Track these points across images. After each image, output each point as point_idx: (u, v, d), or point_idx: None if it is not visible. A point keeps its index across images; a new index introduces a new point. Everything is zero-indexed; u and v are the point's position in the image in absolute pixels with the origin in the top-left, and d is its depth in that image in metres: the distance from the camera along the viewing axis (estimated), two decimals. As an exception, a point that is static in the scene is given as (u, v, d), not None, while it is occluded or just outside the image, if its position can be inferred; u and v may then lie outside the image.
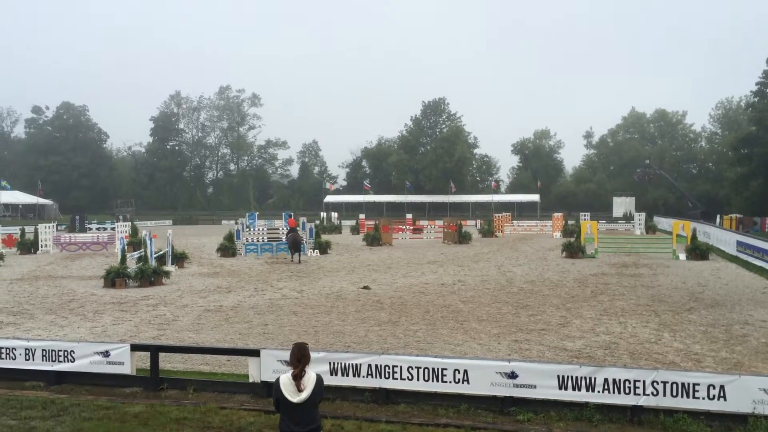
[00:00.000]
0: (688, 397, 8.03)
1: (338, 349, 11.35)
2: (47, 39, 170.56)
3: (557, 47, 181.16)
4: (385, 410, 8.89)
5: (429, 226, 53.90)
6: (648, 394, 8.14)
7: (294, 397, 5.59)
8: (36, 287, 22.11)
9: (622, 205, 76.25)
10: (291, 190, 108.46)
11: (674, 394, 8.07)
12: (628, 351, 12.08)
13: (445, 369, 8.82)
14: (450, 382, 8.80)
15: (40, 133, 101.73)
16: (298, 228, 32.31)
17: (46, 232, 38.48)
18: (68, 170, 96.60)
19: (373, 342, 12.98)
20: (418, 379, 8.92)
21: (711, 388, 7.96)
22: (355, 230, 55.47)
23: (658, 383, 8.12)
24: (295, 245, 29.88)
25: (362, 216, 61.68)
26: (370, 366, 9.09)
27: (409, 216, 63.35)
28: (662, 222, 59.35)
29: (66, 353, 10.19)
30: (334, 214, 69.29)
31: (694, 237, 31.13)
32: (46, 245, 37.79)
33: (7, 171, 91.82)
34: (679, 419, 8.05)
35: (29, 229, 40.43)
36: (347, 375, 9.17)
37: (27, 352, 10.34)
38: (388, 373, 9.02)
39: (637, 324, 14.68)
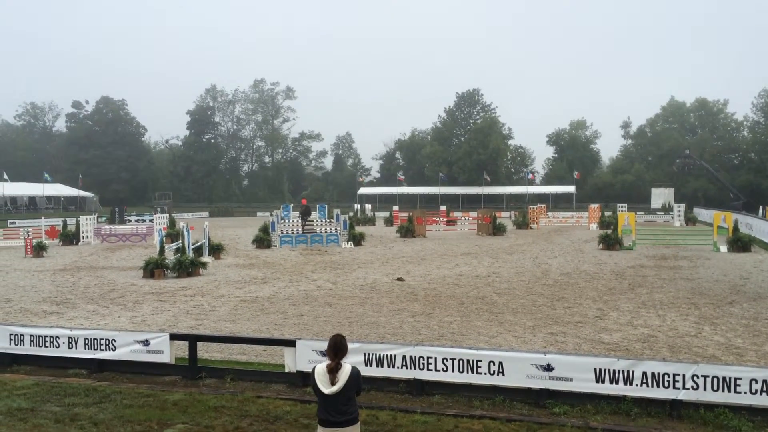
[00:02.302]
0: (729, 391, 7.87)
1: (373, 340, 11.39)
2: (86, 34, 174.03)
3: (593, 37, 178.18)
4: (419, 401, 8.91)
5: (463, 218, 53.73)
6: (688, 388, 8.00)
7: (326, 388, 5.63)
8: (78, 277, 22.68)
9: (660, 196, 74.63)
10: (325, 182, 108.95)
11: (715, 388, 7.91)
12: (667, 344, 11.88)
13: (480, 361, 8.79)
14: (485, 373, 8.77)
15: (80, 127, 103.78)
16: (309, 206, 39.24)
17: (87, 224, 39.43)
18: (108, 163, 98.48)
19: (407, 333, 13.00)
20: (452, 371, 8.91)
21: (753, 382, 7.78)
22: (388, 222, 55.51)
23: (698, 377, 7.97)
24: (306, 213, 37.03)
25: (396, 208, 61.69)
26: (404, 357, 9.10)
27: (442, 207, 63.11)
28: (702, 213, 58.08)
29: (107, 342, 10.44)
30: (368, 206, 69.40)
31: (735, 228, 30.40)
32: (87, 237, 38.71)
33: (49, 164, 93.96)
34: (720, 414, 7.90)
35: (71, 221, 41.46)
36: (382, 366, 9.20)
37: (70, 340, 10.63)
38: (423, 364, 9.03)
39: (676, 317, 14.41)
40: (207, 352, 11.44)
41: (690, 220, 52.78)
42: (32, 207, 79.71)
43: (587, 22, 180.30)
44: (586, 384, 8.41)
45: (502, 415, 8.28)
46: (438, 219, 50.09)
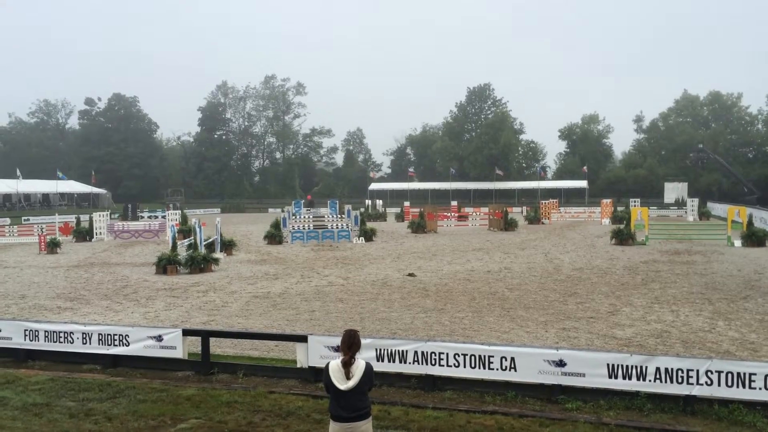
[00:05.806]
0: (743, 387, 7.81)
1: (385, 336, 11.40)
2: (98, 31, 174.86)
3: (606, 30, 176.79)
4: (431, 397, 8.91)
5: (474, 213, 53.59)
6: (702, 384, 7.95)
7: (342, 384, 5.63)
8: (91, 273, 22.84)
9: (673, 190, 74.06)
10: (336, 177, 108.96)
11: (729, 384, 7.86)
12: (680, 340, 11.81)
13: (492, 356, 8.77)
14: (497, 369, 8.75)
15: (93, 124, 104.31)
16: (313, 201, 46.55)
17: (101, 220, 39.67)
18: (120, 160, 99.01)
19: (419, 329, 13.00)
20: (464, 367, 8.90)
21: (768, 378, 7.73)
22: (400, 217, 55.43)
23: (712, 373, 7.92)
24: (310, 204, 42.64)
25: (407, 203, 61.63)
26: (416, 353, 9.10)
27: (454, 203, 62.95)
28: (716, 208, 57.56)
29: (121, 337, 10.51)
30: (379, 202, 69.29)
31: (750, 223, 30.15)
32: (100, 233, 38.96)
33: (62, 161, 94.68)
34: (735, 410, 7.85)
35: (84, 217, 41.78)
36: (394, 361, 9.20)
37: (84, 336, 10.71)
38: (435, 360, 9.02)
39: (690, 312, 14.32)
40: (219, 347, 11.49)
41: (703, 214, 52.36)
42: (46, 204, 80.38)
43: (600, 16, 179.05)
44: (598, 380, 8.38)
45: (514, 410, 8.26)
46: (449, 214, 49.94)
